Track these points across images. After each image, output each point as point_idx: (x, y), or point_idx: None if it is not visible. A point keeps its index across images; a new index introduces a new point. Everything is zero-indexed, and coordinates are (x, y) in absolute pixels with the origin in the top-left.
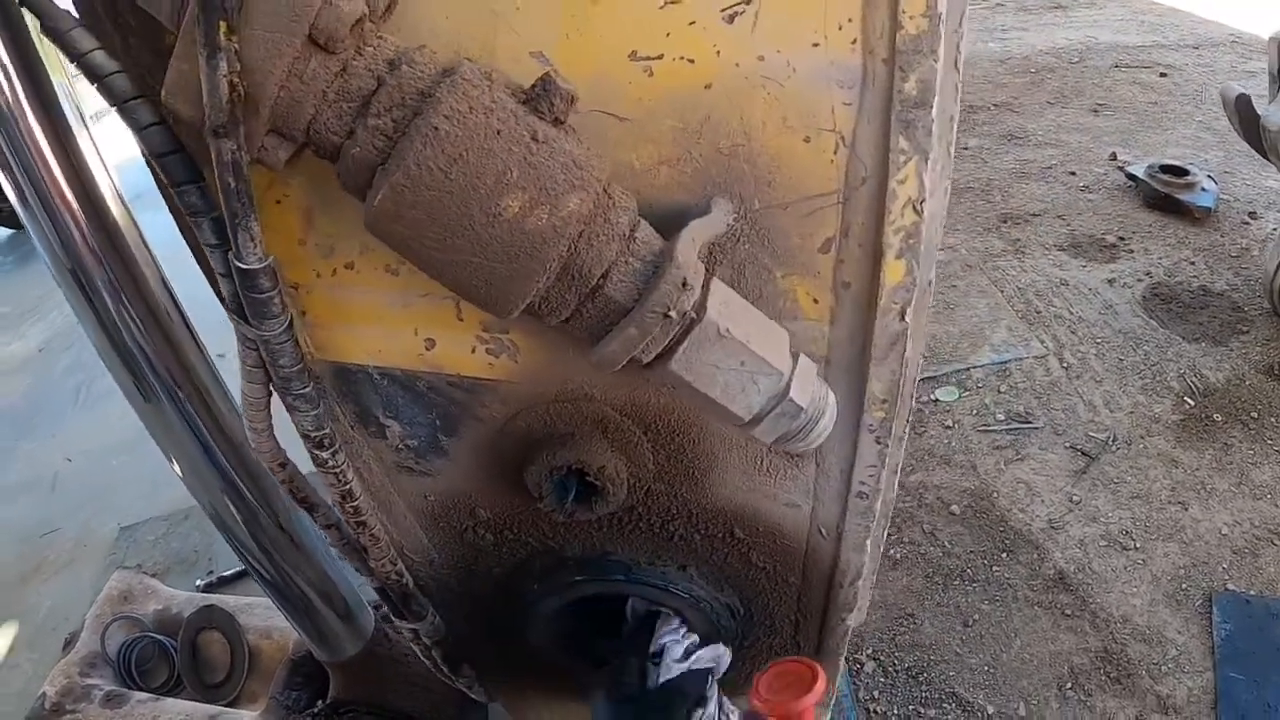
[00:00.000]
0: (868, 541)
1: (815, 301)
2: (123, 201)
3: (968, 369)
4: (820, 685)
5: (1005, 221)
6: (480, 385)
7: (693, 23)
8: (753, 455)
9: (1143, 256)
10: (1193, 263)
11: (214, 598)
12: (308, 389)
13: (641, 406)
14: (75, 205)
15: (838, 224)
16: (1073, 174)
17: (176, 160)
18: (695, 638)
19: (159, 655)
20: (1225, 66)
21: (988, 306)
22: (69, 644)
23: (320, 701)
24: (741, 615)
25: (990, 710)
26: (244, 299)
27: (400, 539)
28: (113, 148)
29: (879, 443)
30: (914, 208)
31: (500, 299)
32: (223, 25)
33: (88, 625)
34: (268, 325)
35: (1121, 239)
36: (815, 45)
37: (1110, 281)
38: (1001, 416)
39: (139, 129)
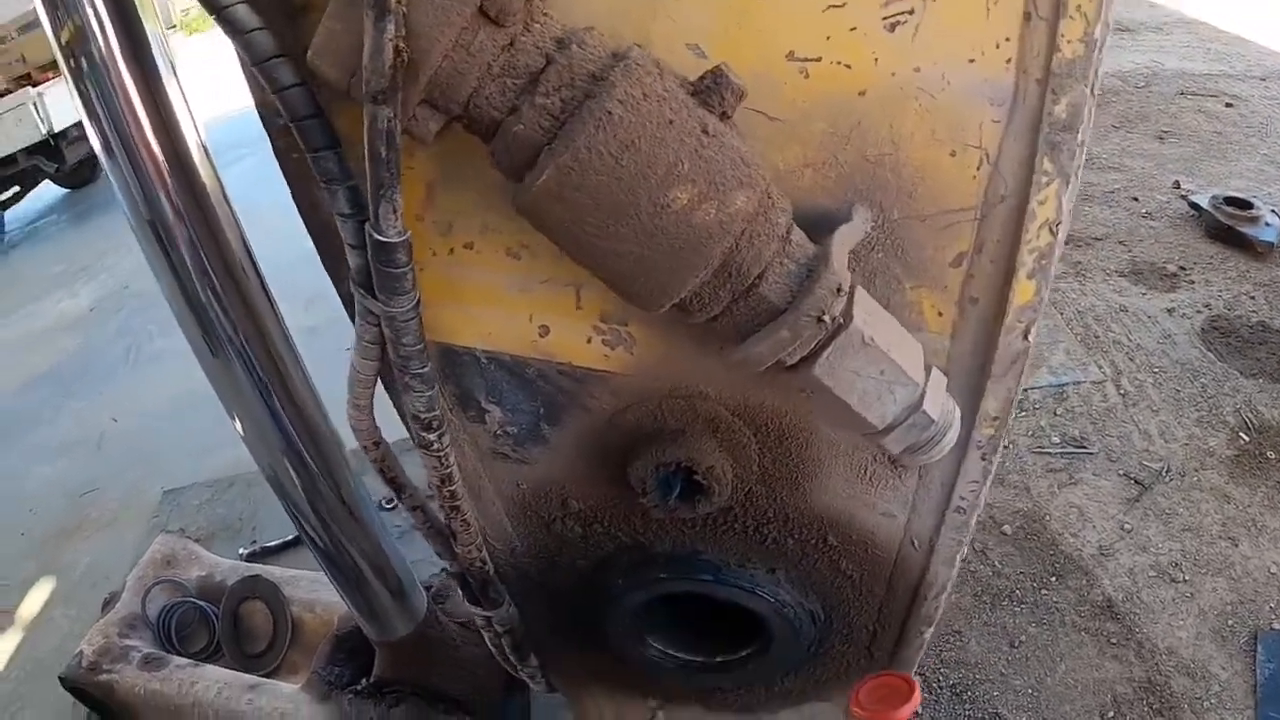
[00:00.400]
0: (958, 556)
1: (940, 315)
2: (208, 157)
3: (1025, 390)
4: (916, 698)
5: (1067, 243)
6: (592, 376)
7: (854, 28)
8: (857, 463)
9: (1203, 288)
10: (1253, 297)
11: (259, 568)
12: (426, 369)
13: (755, 408)
14: (160, 157)
15: (972, 239)
16: (1136, 200)
17: (316, 125)
18: None
19: (199, 621)
20: None
21: (1047, 328)
22: (109, 604)
23: (364, 679)
24: (822, 622)
25: None
26: (376, 272)
27: (484, 525)
28: (200, 102)
29: (984, 459)
30: (1050, 229)
31: (655, 291)
32: None
33: (129, 587)
34: (397, 301)
35: (1182, 269)
36: (971, 61)
37: (1170, 311)
38: (1057, 439)
39: (279, 89)
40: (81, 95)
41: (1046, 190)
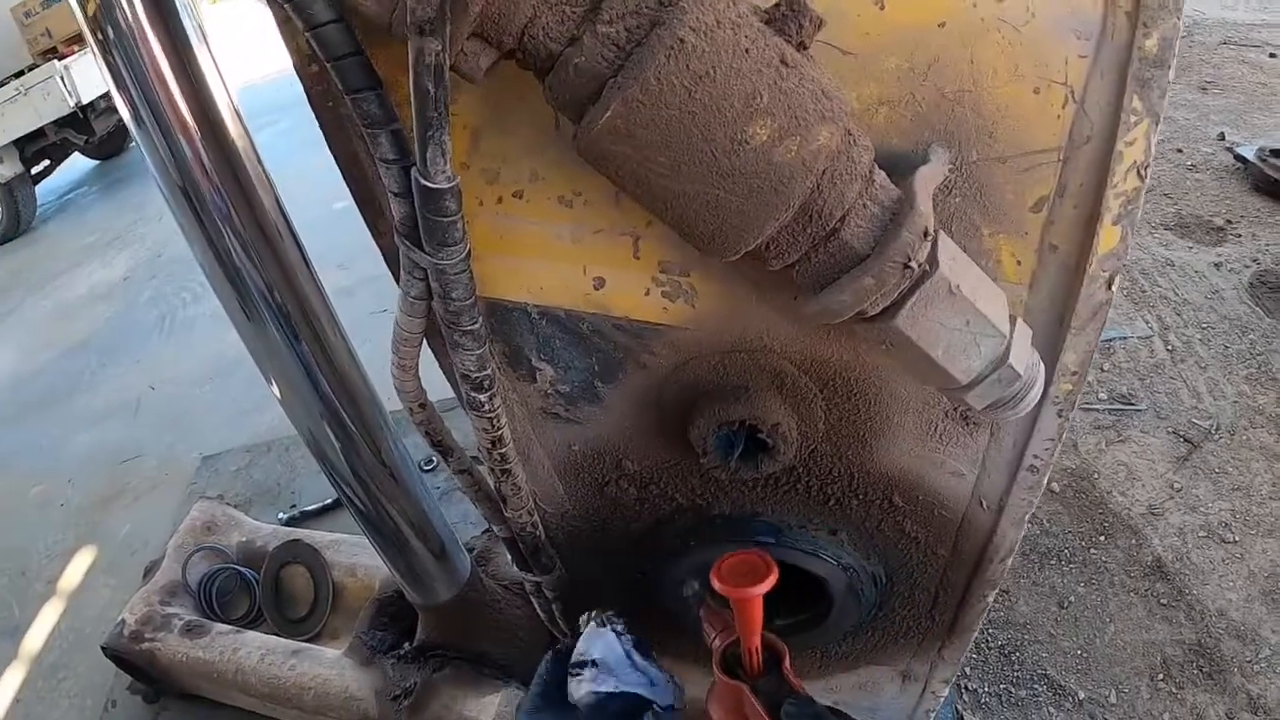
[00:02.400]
0: (1027, 517)
1: (1019, 263)
2: (240, 120)
3: None
4: (772, 579)
5: None
6: (650, 330)
7: None
8: (928, 420)
9: (1250, 242)
10: None
11: (299, 532)
12: (477, 325)
13: (821, 362)
14: (191, 122)
15: (1054, 183)
16: (1180, 151)
17: (355, 64)
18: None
19: (240, 587)
20: None
21: None
22: (149, 572)
23: (406, 644)
24: (884, 585)
25: (1081, 695)
26: (423, 222)
27: (534, 488)
28: (237, 69)
29: (1061, 416)
30: (1138, 172)
31: (731, 237)
32: None
33: (169, 554)
34: (446, 252)
35: (1229, 222)
36: None
37: (1217, 265)
38: (1104, 396)
39: (313, 26)
40: (109, 65)
41: (1135, 130)
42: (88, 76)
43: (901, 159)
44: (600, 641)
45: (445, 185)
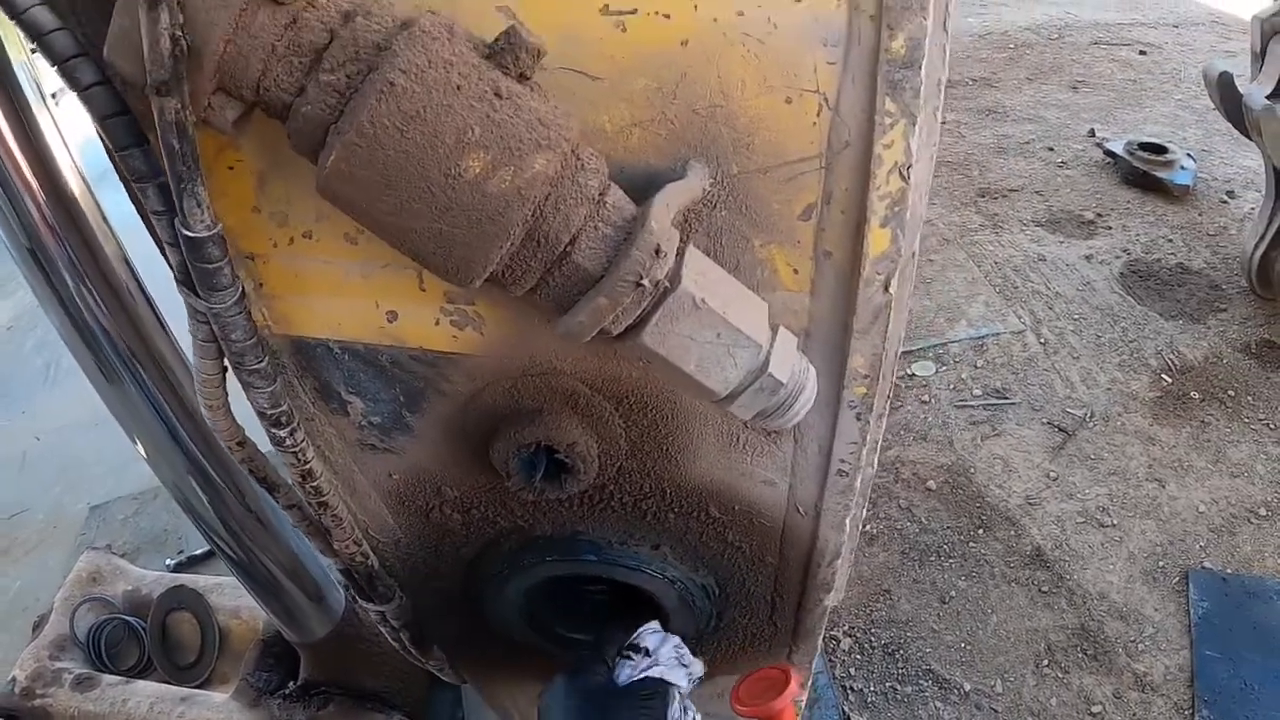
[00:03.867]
0: (847, 520)
1: (795, 272)
2: (84, 180)
3: (945, 343)
4: (794, 686)
5: (983, 196)
6: (444, 359)
7: None
8: (729, 431)
9: (1121, 233)
10: (1170, 240)
11: (184, 577)
12: (262, 364)
13: (613, 380)
14: (34, 183)
15: (819, 190)
16: (1051, 150)
17: (120, 123)
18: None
19: (129, 637)
20: (1204, 46)
21: (965, 281)
22: (38, 626)
23: (291, 683)
24: (717, 595)
25: (967, 687)
26: (192, 269)
27: (365, 519)
28: (77, 127)
29: (860, 419)
30: (900, 173)
31: (461, 267)
32: None
33: (56, 607)
34: (217, 297)
35: (1099, 215)
36: (797, 0)
37: (1088, 258)
38: (978, 392)
39: (81, 89)
40: None
41: (892, 133)
42: None
43: (659, 177)
44: (654, 635)
45: (205, 234)
